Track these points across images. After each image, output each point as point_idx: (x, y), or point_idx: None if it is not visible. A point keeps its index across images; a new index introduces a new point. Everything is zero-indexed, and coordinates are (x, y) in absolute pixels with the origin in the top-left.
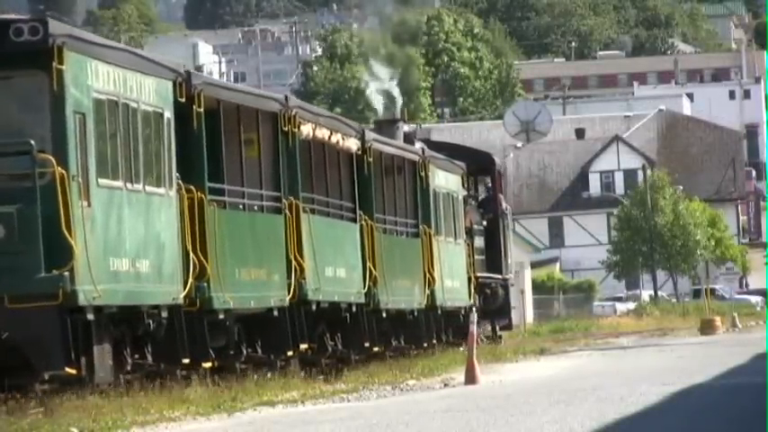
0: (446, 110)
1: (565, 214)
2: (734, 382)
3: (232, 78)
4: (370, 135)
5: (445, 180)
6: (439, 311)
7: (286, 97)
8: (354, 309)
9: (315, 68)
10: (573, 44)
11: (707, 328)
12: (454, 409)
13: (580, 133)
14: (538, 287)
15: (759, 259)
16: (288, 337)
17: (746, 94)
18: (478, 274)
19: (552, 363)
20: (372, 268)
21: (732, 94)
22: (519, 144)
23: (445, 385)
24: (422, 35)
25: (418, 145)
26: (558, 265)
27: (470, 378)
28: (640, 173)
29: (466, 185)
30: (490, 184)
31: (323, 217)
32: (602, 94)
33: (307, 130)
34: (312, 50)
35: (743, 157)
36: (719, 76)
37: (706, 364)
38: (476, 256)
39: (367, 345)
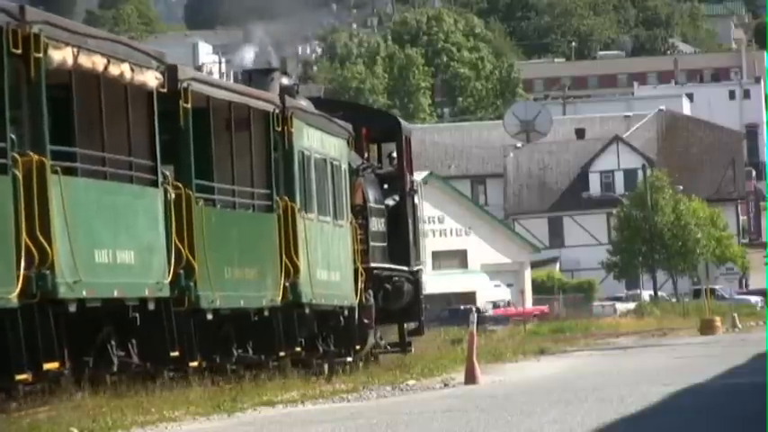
0: (446, 110)
1: (565, 214)
2: (734, 382)
3: (231, 78)
4: (186, 72)
5: (321, 142)
6: (306, 310)
7: (21, 8)
8: (153, 306)
9: (315, 68)
10: (573, 44)
11: (707, 328)
12: (454, 409)
13: (580, 133)
14: (538, 287)
15: (759, 259)
16: (18, 351)
17: (746, 94)
18: (374, 265)
19: (552, 363)
20: (186, 251)
21: (732, 94)
22: (519, 144)
23: (445, 385)
24: (422, 35)
25: (304, 102)
26: (557, 265)
27: (470, 378)
28: (640, 173)
29: (363, 151)
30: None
31: (94, 180)
32: (602, 94)
33: (61, 55)
34: (312, 51)
35: (743, 157)
36: (719, 76)
37: (706, 364)
38: (373, 243)
39: (176, 354)
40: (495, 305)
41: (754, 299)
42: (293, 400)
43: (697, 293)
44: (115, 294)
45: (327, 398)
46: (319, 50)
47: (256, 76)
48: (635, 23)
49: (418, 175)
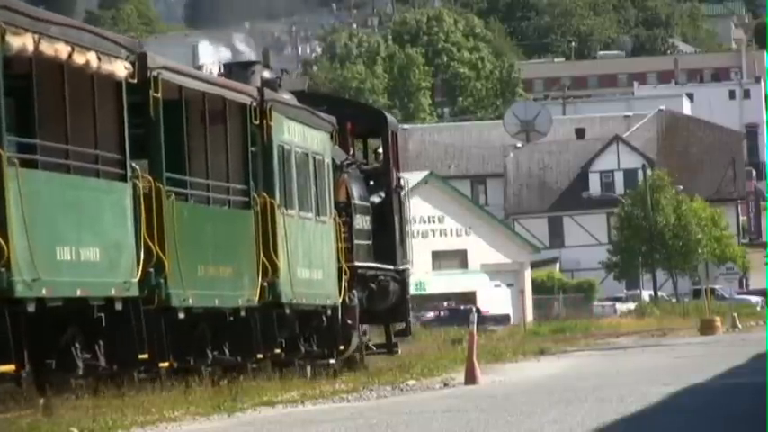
0: (446, 110)
1: (565, 214)
2: (734, 382)
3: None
4: (157, 60)
5: (302, 136)
6: (287, 310)
7: None
8: (120, 306)
9: (315, 68)
10: (573, 44)
11: (707, 328)
12: (454, 409)
13: (580, 133)
14: (538, 287)
15: (759, 259)
16: None
17: (746, 94)
18: (359, 264)
19: (552, 363)
20: (156, 248)
21: (732, 94)
22: (519, 144)
23: (445, 385)
24: (422, 35)
25: (287, 96)
26: (557, 265)
27: (470, 378)
28: (640, 173)
29: (348, 147)
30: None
31: (56, 173)
32: (602, 94)
33: (21, 42)
34: (312, 51)
35: (743, 157)
36: (719, 76)
37: (706, 364)
38: (357, 241)
39: (144, 357)
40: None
41: (754, 299)
42: (293, 400)
43: (697, 293)
44: (78, 294)
45: (327, 398)
46: (319, 50)
47: (236, 70)
48: (635, 23)
49: (417, 175)
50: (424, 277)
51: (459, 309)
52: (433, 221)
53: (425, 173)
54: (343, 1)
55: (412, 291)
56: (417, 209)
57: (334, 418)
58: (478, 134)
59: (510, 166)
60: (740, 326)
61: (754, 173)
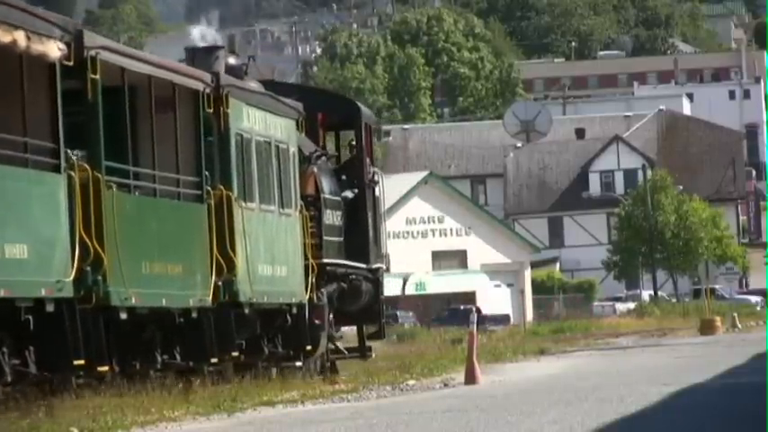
0: (446, 110)
1: (565, 214)
2: (734, 382)
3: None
4: (95, 39)
5: (264, 124)
6: (246, 310)
7: None
8: (52, 308)
9: (315, 68)
10: (573, 44)
11: (707, 328)
12: (454, 409)
13: (580, 133)
14: (538, 287)
15: (759, 259)
16: None
17: (746, 94)
18: (328, 261)
19: (552, 363)
20: (93, 242)
21: (732, 94)
22: (519, 144)
23: (445, 385)
24: (422, 35)
25: (254, 84)
26: (557, 265)
27: (470, 378)
28: (640, 173)
29: (319, 138)
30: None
31: None
32: (603, 94)
33: None
34: (312, 51)
35: (743, 157)
36: (719, 76)
37: (706, 364)
38: (327, 237)
39: (81, 363)
40: None
41: (754, 299)
42: (293, 400)
43: (697, 293)
44: (2, 294)
45: (327, 398)
46: (319, 50)
47: (200, 55)
48: (635, 23)
49: (416, 175)
50: (423, 277)
51: (459, 309)
52: (433, 221)
53: (425, 173)
54: (344, 1)
55: (412, 291)
56: (417, 209)
57: (334, 418)
58: (478, 134)
59: (510, 166)
60: (740, 326)
61: (754, 173)
